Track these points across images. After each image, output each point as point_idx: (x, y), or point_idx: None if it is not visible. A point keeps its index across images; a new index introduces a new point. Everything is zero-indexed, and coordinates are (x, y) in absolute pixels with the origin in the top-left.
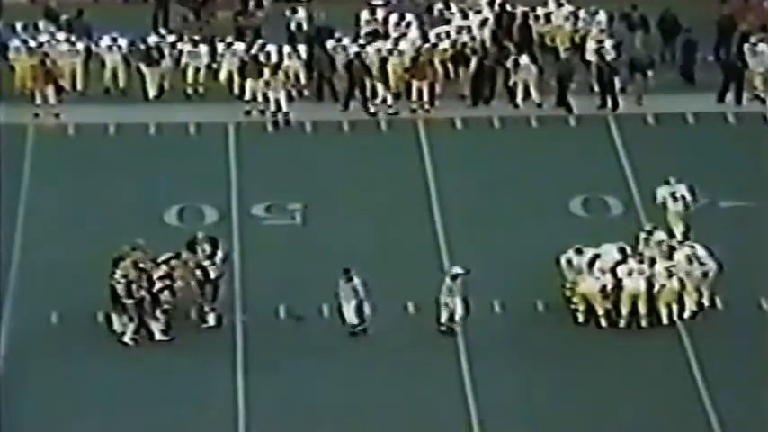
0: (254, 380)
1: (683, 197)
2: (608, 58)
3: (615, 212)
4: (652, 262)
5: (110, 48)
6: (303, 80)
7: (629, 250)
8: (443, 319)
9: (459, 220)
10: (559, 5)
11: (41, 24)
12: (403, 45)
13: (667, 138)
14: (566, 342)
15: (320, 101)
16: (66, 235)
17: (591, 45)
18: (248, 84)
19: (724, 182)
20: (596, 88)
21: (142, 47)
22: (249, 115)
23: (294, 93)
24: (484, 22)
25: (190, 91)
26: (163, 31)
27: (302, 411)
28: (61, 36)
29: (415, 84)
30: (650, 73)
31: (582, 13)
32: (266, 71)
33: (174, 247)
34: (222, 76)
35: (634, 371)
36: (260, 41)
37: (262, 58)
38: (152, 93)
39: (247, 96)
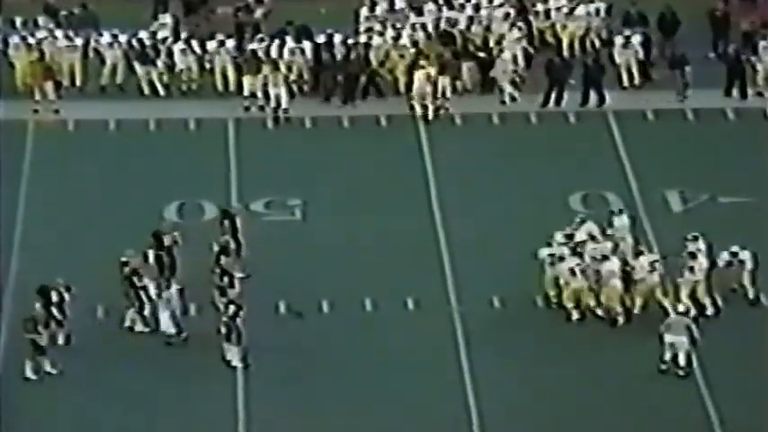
0: (253, 376)
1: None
2: (640, 54)
3: (614, 208)
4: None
5: (110, 44)
6: (306, 76)
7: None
8: None
9: (459, 215)
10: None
11: (41, 20)
12: (403, 40)
13: (667, 133)
14: (564, 337)
15: (326, 101)
16: (66, 231)
17: (619, 41)
18: (247, 80)
19: (723, 178)
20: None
21: (137, 45)
22: (249, 111)
23: (296, 89)
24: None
25: (185, 88)
26: (154, 28)
27: (302, 406)
28: (60, 32)
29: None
30: (687, 69)
31: (582, 9)
32: (265, 67)
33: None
34: (217, 73)
35: (632, 367)
36: (259, 37)
37: (261, 54)
38: (146, 91)
39: (246, 92)
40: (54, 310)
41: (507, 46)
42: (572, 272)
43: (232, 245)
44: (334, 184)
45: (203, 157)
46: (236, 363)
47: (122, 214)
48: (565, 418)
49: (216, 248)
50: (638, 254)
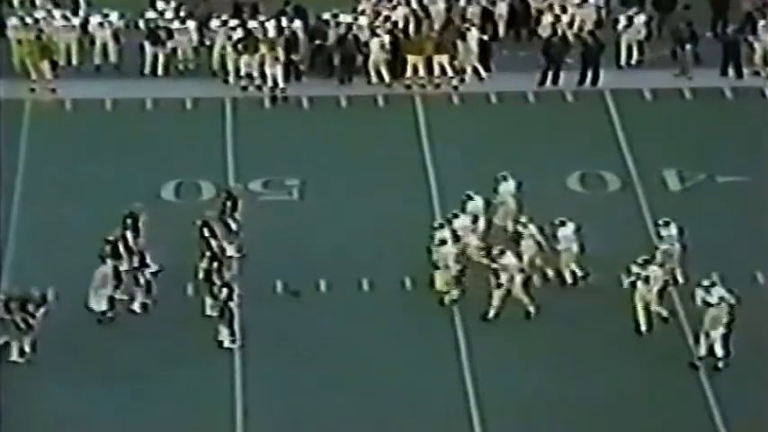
0: (250, 356)
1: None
2: (642, 34)
3: (612, 188)
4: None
5: (101, 24)
6: (302, 56)
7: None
8: None
9: (457, 195)
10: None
11: (38, 0)
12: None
13: (664, 113)
14: (565, 317)
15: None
16: (64, 210)
17: (622, 21)
18: (244, 59)
19: (721, 157)
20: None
21: (142, 25)
22: (246, 91)
23: (293, 68)
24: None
25: (181, 68)
26: (161, 6)
27: (299, 386)
28: (57, 12)
29: (410, 59)
30: (688, 47)
31: None
32: (262, 47)
33: (171, 222)
34: (215, 53)
35: (633, 348)
36: (259, 18)
37: (258, 34)
38: (147, 70)
39: (243, 72)
40: (21, 318)
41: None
42: (455, 257)
43: (233, 226)
44: (331, 164)
45: (200, 136)
46: (228, 344)
47: (119, 194)
48: (564, 396)
49: (198, 223)
50: (561, 223)
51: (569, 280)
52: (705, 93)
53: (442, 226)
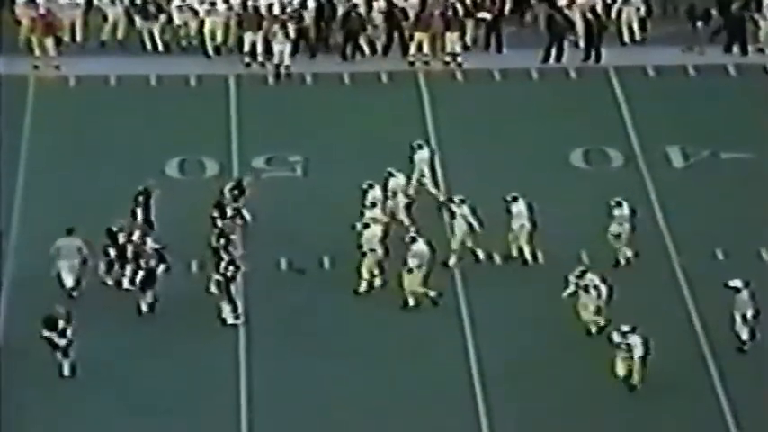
0: (255, 333)
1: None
2: (642, 11)
3: (616, 164)
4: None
5: (112, 1)
6: (312, 32)
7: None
8: None
9: (460, 172)
10: None
11: None
12: None
13: (668, 89)
14: (562, 290)
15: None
16: (67, 187)
17: None
18: (248, 36)
19: (725, 133)
20: (581, 43)
21: (138, 1)
22: (249, 67)
23: (307, 46)
24: None
25: (184, 44)
26: None
27: (303, 363)
28: None
29: (416, 36)
30: (699, 24)
31: None
32: (266, 23)
33: (175, 199)
34: (207, 28)
35: (636, 310)
36: None
37: (263, 10)
38: (148, 46)
39: (247, 48)
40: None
41: None
42: (380, 240)
43: (247, 216)
44: (335, 141)
45: (204, 113)
46: (231, 320)
47: (123, 171)
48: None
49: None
50: (513, 199)
51: (515, 254)
52: (709, 69)
53: (374, 205)
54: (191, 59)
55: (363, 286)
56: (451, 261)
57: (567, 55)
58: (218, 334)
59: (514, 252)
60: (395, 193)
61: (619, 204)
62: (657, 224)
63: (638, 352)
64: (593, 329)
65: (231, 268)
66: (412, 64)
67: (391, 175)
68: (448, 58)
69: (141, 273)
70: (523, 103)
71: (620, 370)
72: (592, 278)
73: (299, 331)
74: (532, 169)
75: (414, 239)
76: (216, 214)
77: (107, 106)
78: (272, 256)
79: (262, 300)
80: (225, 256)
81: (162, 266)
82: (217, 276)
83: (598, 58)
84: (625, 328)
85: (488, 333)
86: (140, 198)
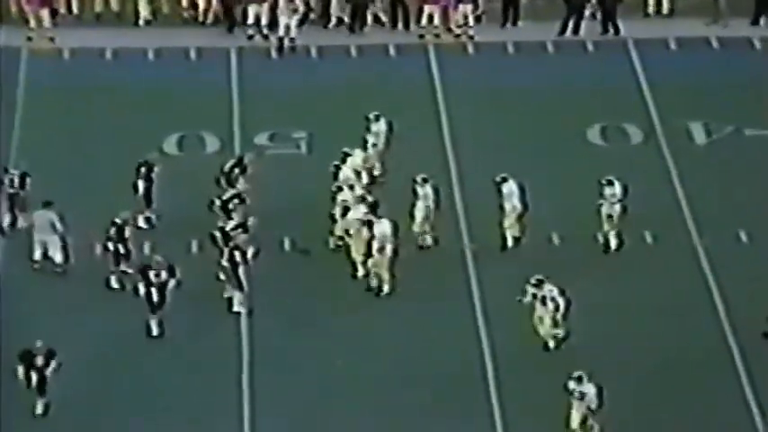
0: (259, 315)
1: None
2: None
3: (635, 141)
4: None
5: None
6: (314, 4)
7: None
8: None
9: (471, 149)
10: None
11: None
12: None
13: (690, 63)
14: (583, 273)
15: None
16: (61, 163)
17: None
18: (252, 8)
19: (749, 109)
20: (598, 15)
21: None
22: (252, 39)
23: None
24: None
25: (186, 15)
26: None
27: (307, 346)
28: None
29: (426, 8)
30: None
31: None
32: None
33: (174, 175)
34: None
35: (658, 294)
36: None
37: None
38: (144, 15)
39: (250, 20)
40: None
41: None
42: (364, 223)
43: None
44: (341, 116)
45: (204, 87)
46: (238, 307)
47: (119, 147)
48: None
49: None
50: (503, 180)
51: (510, 243)
52: (733, 42)
53: (340, 189)
54: (190, 31)
55: (361, 271)
56: (421, 242)
57: (584, 27)
58: (220, 320)
59: (509, 236)
60: (358, 174)
61: (610, 183)
62: (679, 204)
63: (592, 402)
64: (552, 344)
65: (237, 253)
66: (422, 36)
67: (347, 155)
68: (459, 31)
69: (153, 290)
70: (538, 78)
71: (575, 420)
72: (550, 289)
73: (303, 314)
74: (547, 147)
75: (369, 223)
76: (217, 201)
77: (103, 80)
78: (275, 237)
79: (265, 280)
80: (230, 242)
81: (173, 282)
82: (223, 262)
83: (617, 31)
84: (579, 374)
85: (501, 320)
86: (142, 170)
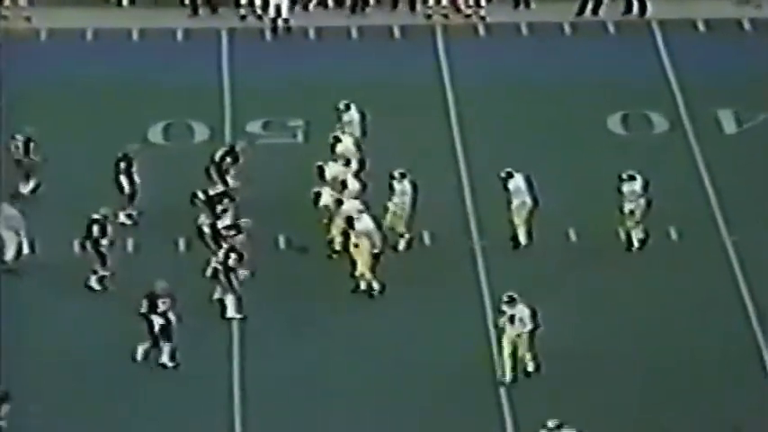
0: (251, 313)
1: None
2: None
3: (659, 130)
4: None
5: None
6: None
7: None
8: None
9: (481, 140)
10: None
11: None
12: None
13: (719, 46)
14: (603, 271)
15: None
16: (38, 156)
17: None
18: None
19: None
20: None
21: None
22: (245, 20)
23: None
24: None
25: None
26: None
27: (301, 346)
28: None
29: None
30: None
31: None
32: None
33: (159, 167)
34: None
35: (683, 293)
36: None
37: None
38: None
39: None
40: None
41: None
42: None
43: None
44: (340, 103)
45: (193, 71)
46: (232, 313)
47: (101, 136)
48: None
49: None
50: (509, 174)
51: (523, 240)
52: (766, 24)
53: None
54: (178, 11)
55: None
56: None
57: (605, 7)
58: (209, 321)
59: (520, 234)
60: (348, 161)
61: (631, 178)
62: (707, 198)
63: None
64: (531, 367)
65: (233, 256)
66: (429, 17)
67: (338, 140)
68: (469, 11)
69: (159, 324)
70: (554, 62)
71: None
72: (521, 309)
73: (298, 314)
74: (564, 137)
75: (350, 219)
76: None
77: (83, 63)
78: (268, 232)
79: (259, 276)
80: (224, 243)
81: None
82: (215, 264)
83: (643, 11)
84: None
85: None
86: (122, 164)
